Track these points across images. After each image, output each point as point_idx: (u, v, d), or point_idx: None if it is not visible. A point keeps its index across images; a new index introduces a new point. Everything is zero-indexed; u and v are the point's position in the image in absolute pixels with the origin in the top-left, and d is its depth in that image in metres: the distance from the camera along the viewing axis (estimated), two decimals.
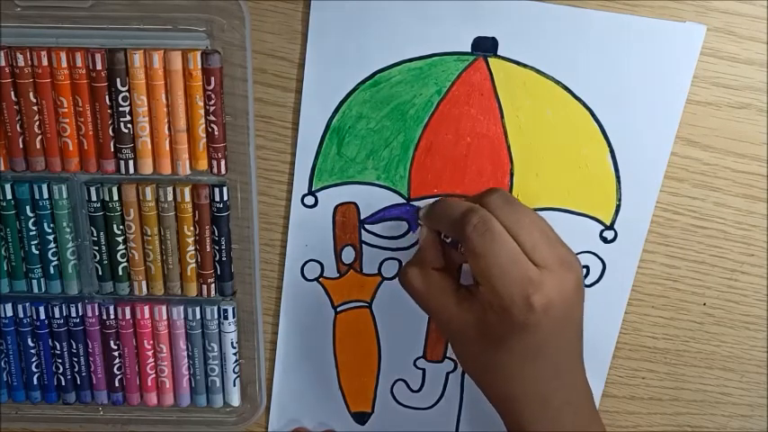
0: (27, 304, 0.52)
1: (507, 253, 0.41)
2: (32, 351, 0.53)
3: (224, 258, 0.51)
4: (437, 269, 0.47)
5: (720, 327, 0.53)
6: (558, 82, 0.47)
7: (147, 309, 0.52)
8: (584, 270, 0.51)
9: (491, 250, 0.41)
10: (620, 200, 0.50)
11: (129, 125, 0.47)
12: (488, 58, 0.47)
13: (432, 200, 0.50)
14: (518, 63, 0.47)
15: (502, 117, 0.48)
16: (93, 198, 0.49)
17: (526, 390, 0.44)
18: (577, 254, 0.50)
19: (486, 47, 0.47)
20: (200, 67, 0.46)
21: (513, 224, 0.42)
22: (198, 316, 0.52)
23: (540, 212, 0.50)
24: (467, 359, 0.46)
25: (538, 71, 0.47)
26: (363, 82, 0.48)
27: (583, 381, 0.46)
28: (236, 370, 0.54)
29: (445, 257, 0.47)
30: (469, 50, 0.47)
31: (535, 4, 0.46)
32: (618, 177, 0.49)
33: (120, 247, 0.50)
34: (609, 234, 0.50)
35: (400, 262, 0.52)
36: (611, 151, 0.49)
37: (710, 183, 0.49)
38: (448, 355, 0.54)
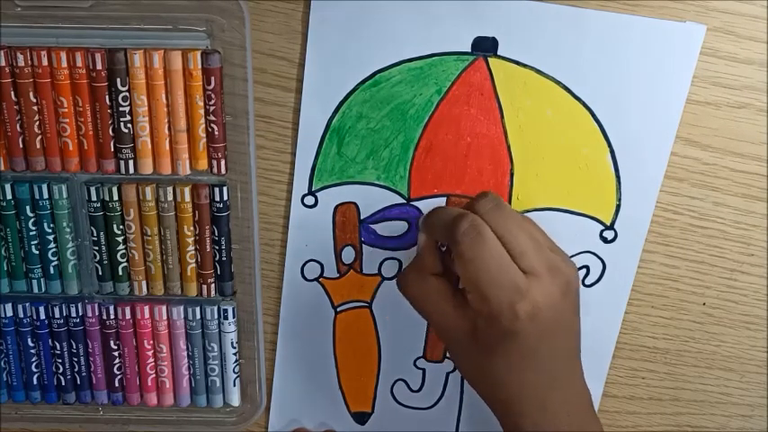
0: (27, 304, 0.52)
1: (496, 259, 0.42)
2: (32, 351, 0.53)
3: (224, 258, 0.51)
4: (435, 275, 0.47)
5: (720, 327, 0.53)
6: (558, 82, 0.48)
7: (147, 309, 0.52)
8: (585, 270, 0.51)
9: (480, 256, 0.41)
10: (620, 200, 0.50)
11: (129, 125, 0.47)
12: (488, 58, 0.47)
13: (433, 204, 0.50)
14: (518, 63, 0.47)
15: (502, 117, 0.48)
16: (93, 198, 0.49)
17: (521, 394, 0.44)
18: (577, 254, 0.51)
19: (486, 47, 0.47)
20: (200, 67, 0.46)
21: (502, 229, 0.42)
22: (198, 316, 0.52)
23: (540, 212, 0.50)
24: (462, 364, 0.47)
25: (538, 71, 0.47)
26: (363, 82, 0.48)
27: (580, 382, 0.46)
28: (236, 370, 0.54)
29: (444, 264, 0.47)
30: (469, 50, 0.47)
31: (535, 4, 0.46)
32: (618, 177, 0.49)
33: (120, 247, 0.50)
34: (609, 234, 0.50)
35: (400, 262, 0.52)
36: (611, 151, 0.49)
37: (710, 182, 0.49)
38: (448, 356, 0.54)
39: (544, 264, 0.43)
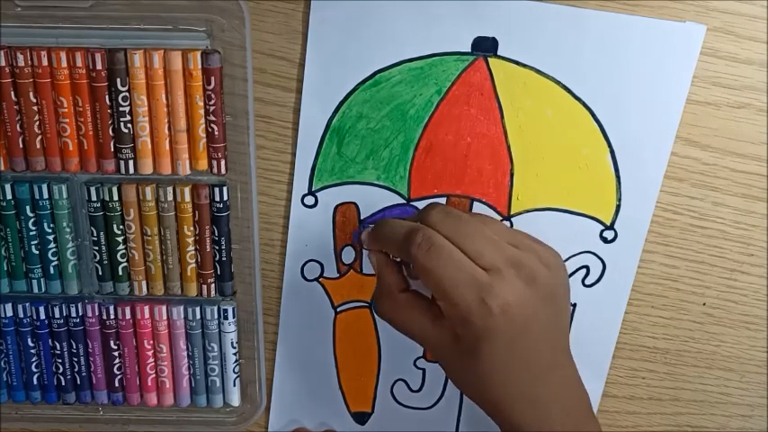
0: (27, 304, 0.52)
1: (454, 263, 0.42)
2: (32, 351, 0.53)
3: (224, 258, 0.51)
4: (404, 290, 0.47)
5: (720, 327, 0.53)
6: (558, 82, 0.48)
7: (147, 309, 0.52)
8: (585, 270, 0.51)
9: (438, 264, 0.42)
10: (620, 200, 0.50)
11: (129, 125, 0.47)
12: (488, 58, 0.47)
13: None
14: (518, 63, 0.47)
15: (502, 117, 0.48)
16: (93, 198, 0.49)
17: (510, 394, 0.44)
18: (577, 254, 0.51)
19: (486, 47, 0.47)
20: (200, 67, 0.46)
21: (454, 235, 0.43)
22: (198, 316, 0.52)
23: (539, 212, 0.50)
24: (452, 373, 0.47)
25: (538, 71, 0.47)
26: (363, 82, 0.48)
27: (570, 378, 0.46)
28: (236, 370, 0.54)
29: (407, 278, 0.48)
30: (469, 50, 0.47)
31: (535, 4, 0.46)
32: (618, 177, 0.49)
33: (120, 247, 0.50)
34: (609, 234, 0.50)
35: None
36: (611, 151, 0.49)
37: (710, 182, 0.50)
38: None
39: (503, 259, 0.43)
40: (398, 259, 0.47)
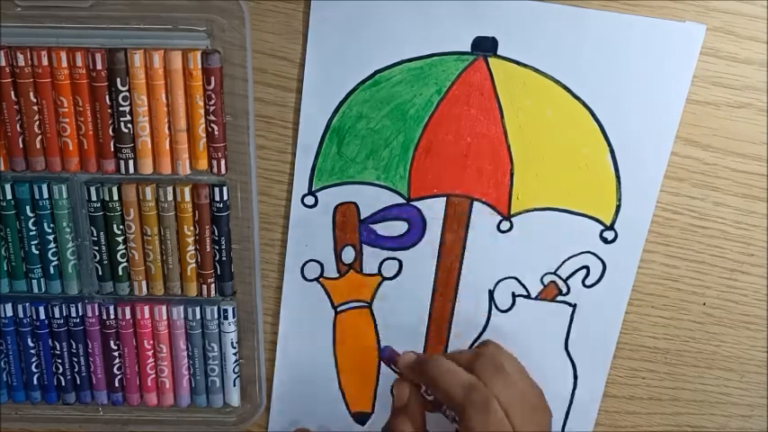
0: (27, 304, 0.52)
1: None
2: (32, 351, 0.53)
3: (224, 258, 0.51)
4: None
5: (720, 327, 0.53)
6: (558, 82, 0.47)
7: (147, 309, 0.52)
8: (585, 270, 0.51)
9: (486, 429, 0.43)
10: (620, 200, 0.50)
11: (130, 125, 0.47)
12: (488, 58, 0.47)
13: (433, 204, 0.50)
14: (518, 63, 0.47)
15: (502, 117, 0.48)
16: (93, 198, 0.49)
17: None
18: (577, 254, 0.51)
19: (486, 47, 0.47)
20: (200, 66, 0.46)
21: (504, 398, 0.44)
22: (198, 316, 0.52)
23: (539, 212, 0.50)
24: None
25: (538, 71, 0.47)
26: (363, 82, 0.48)
27: None
28: (236, 370, 0.54)
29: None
30: (469, 50, 0.47)
31: (535, 4, 0.46)
32: (618, 177, 0.49)
33: (120, 246, 0.50)
34: (609, 234, 0.50)
35: (400, 262, 0.52)
36: (611, 151, 0.49)
37: (710, 182, 0.49)
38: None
39: (536, 427, 0.45)
40: (430, 398, 0.48)
